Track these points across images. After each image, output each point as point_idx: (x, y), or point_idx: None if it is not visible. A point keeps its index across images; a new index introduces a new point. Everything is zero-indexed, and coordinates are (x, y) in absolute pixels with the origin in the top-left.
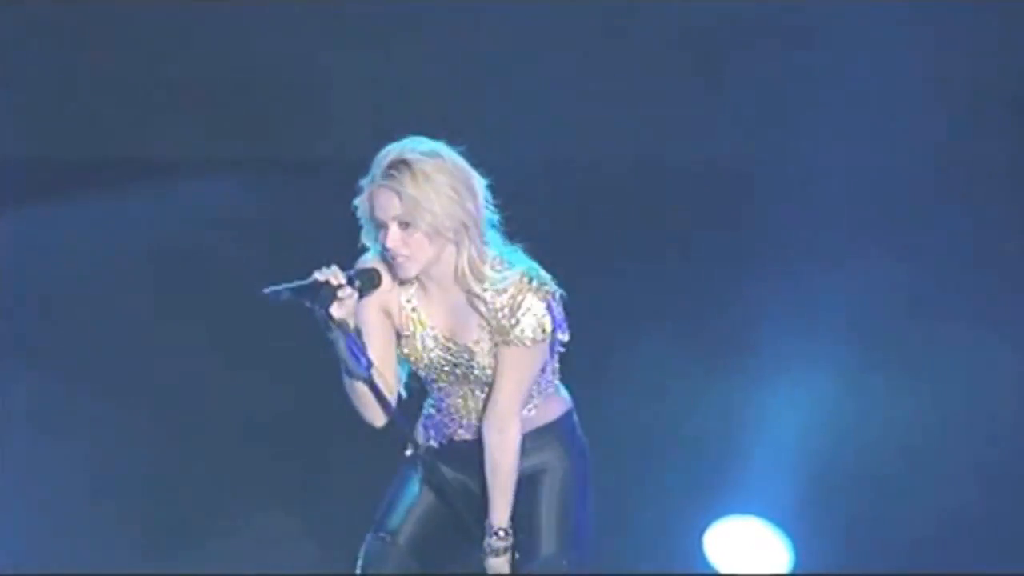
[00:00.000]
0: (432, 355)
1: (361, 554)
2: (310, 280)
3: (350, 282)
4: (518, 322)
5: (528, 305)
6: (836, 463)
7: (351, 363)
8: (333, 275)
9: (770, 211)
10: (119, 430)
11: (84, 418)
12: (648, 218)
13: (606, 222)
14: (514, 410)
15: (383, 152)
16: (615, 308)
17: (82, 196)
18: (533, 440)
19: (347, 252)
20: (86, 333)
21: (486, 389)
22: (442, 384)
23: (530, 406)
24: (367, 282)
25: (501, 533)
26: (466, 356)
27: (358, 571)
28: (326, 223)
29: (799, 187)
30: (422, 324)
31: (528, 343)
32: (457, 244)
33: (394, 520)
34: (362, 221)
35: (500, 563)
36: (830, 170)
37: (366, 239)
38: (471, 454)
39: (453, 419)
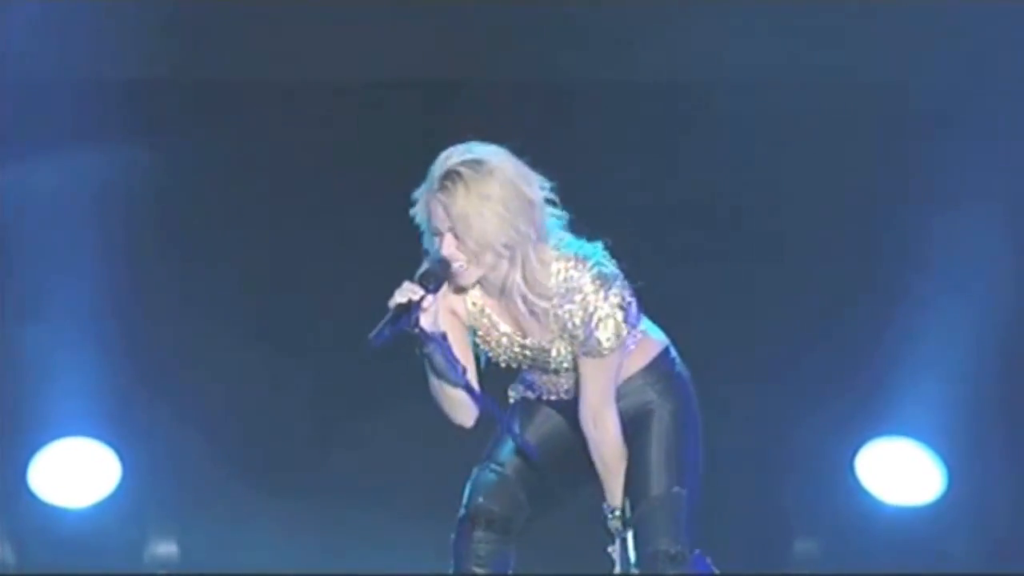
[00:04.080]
0: (508, 352)
1: (469, 484)
2: (393, 308)
3: (425, 289)
4: (592, 333)
5: (601, 315)
6: (994, 385)
7: (447, 371)
8: (410, 292)
9: None
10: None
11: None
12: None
13: None
14: (605, 405)
15: (440, 158)
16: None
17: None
18: (632, 383)
19: None
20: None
21: (571, 374)
22: (524, 367)
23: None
24: (437, 280)
25: (619, 513)
26: (543, 355)
27: (466, 500)
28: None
29: None
30: (493, 325)
31: (605, 352)
32: (511, 260)
33: (503, 453)
34: (422, 227)
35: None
36: None
37: (427, 244)
38: (571, 405)
39: (543, 388)
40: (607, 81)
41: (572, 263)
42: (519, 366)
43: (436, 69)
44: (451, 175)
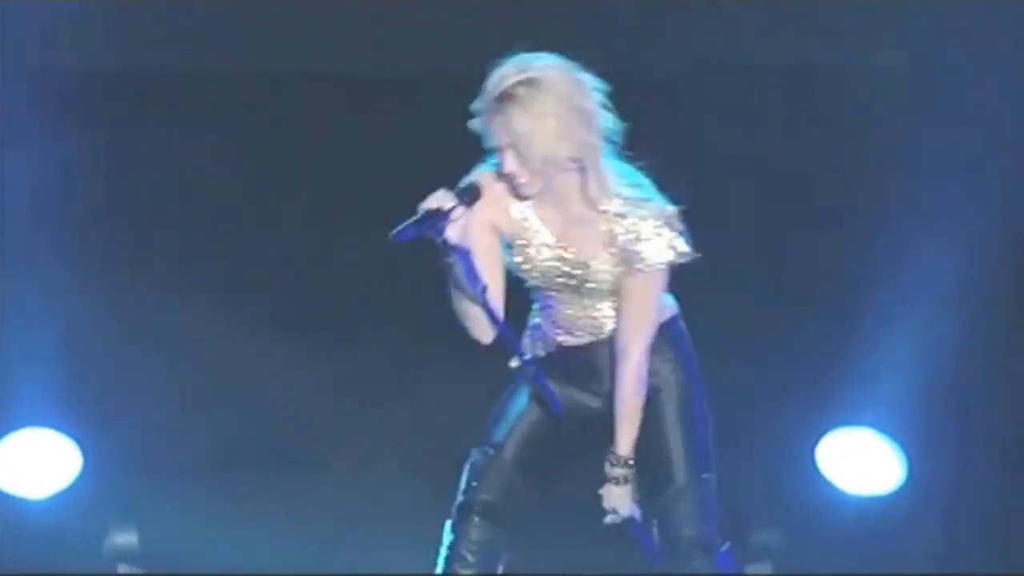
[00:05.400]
0: (546, 264)
1: (466, 468)
2: (422, 211)
3: (460, 200)
4: (644, 247)
5: (656, 230)
6: (951, 376)
7: (467, 285)
8: (441, 200)
9: None
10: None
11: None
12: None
13: None
14: (641, 338)
15: (494, 77)
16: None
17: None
18: None
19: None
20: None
21: (598, 301)
22: (552, 293)
23: None
24: (471, 196)
25: (622, 461)
26: (581, 270)
27: (462, 487)
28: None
29: None
30: (538, 235)
31: (652, 267)
32: (579, 170)
33: (500, 434)
34: (480, 133)
35: (620, 492)
36: None
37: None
38: (578, 361)
39: (560, 327)
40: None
41: (630, 182)
42: (549, 286)
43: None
44: (506, 96)
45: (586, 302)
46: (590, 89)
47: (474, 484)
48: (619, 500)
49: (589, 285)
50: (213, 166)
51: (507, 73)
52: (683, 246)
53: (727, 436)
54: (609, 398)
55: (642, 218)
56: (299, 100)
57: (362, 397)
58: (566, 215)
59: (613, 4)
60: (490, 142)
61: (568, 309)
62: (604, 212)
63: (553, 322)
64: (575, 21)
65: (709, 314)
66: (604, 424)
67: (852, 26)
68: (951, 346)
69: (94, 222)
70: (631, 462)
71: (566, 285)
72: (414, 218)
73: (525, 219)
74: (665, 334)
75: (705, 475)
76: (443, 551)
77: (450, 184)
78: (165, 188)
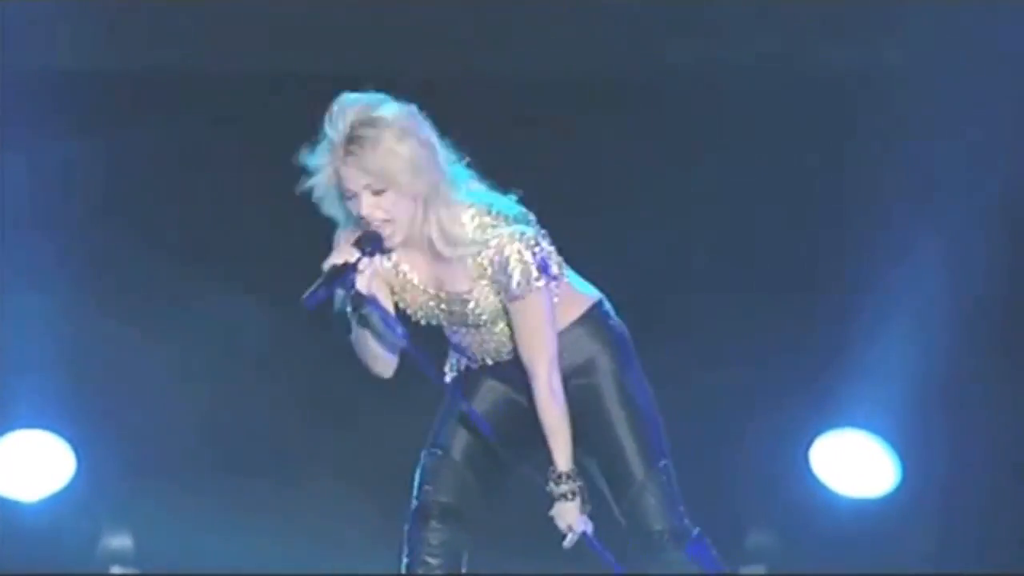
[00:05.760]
0: (428, 306)
1: (418, 471)
2: (329, 267)
3: (362, 252)
4: (511, 276)
5: (516, 258)
6: (944, 379)
7: (387, 335)
8: (347, 253)
9: None
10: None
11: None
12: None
13: None
14: (541, 357)
15: (327, 127)
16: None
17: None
18: (567, 336)
19: None
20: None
21: (492, 327)
22: (446, 327)
23: None
24: (375, 242)
25: (564, 477)
26: (459, 306)
27: (415, 491)
28: None
29: None
30: (410, 282)
31: (530, 292)
32: (426, 208)
33: (445, 436)
34: (320, 194)
35: (570, 508)
36: None
37: (330, 210)
38: (502, 374)
39: (469, 354)
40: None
41: (485, 210)
42: (438, 323)
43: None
44: (354, 140)
45: (482, 331)
46: (426, 124)
47: (427, 487)
48: (571, 516)
49: (471, 319)
50: (211, 166)
51: (346, 118)
52: (553, 267)
53: (722, 437)
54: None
55: (501, 247)
56: (299, 100)
57: (356, 400)
58: (432, 256)
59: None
60: (342, 191)
61: (467, 339)
62: (460, 254)
63: (463, 350)
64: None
65: (704, 315)
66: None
67: (852, 26)
68: (945, 347)
69: (84, 224)
70: (572, 475)
71: (454, 320)
72: (321, 279)
73: (395, 266)
74: (590, 322)
75: (662, 463)
76: (404, 557)
77: None
78: (161, 188)
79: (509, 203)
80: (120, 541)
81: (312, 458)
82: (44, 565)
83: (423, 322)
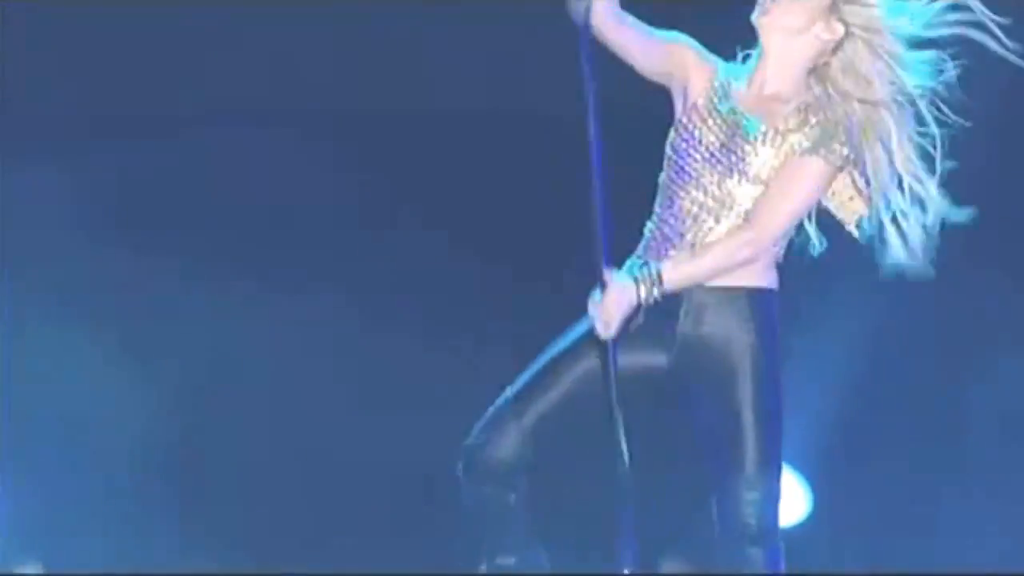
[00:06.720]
0: (709, 129)
1: (489, 412)
2: None
3: None
4: (831, 136)
5: (848, 126)
6: (855, 410)
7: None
8: None
9: None
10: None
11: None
12: None
13: None
14: (769, 217)
15: None
16: None
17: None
18: (729, 295)
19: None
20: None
21: (737, 183)
22: (691, 170)
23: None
24: None
25: (656, 280)
26: (744, 143)
27: (476, 428)
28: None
29: None
30: (721, 97)
31: (826, 155)
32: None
33: (533, 390)
34: None
35: (623, 299)
36: None
37: None
38: (671, 300)
39: (673, 229)
40: None
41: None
42: (691, 160)
43: None
44: None
45: (724, 182)
46: None
47: (480, 442)
48: (617, 307)
49: (742, 155)
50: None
51: None
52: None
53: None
54: (679, 350)
55: (843, 117)
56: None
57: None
58: (768, 89)
59: None
60: None
61: (691, 201)
62: (816, 95)
63: (666, 224)
64: None
65: None
66: (660, 396)
67: None
68: (853, 375)
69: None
70: (661, 284)
71: (715, 158)
72: None
73: (720, 84)
74: (751, 301)
75: (776, 465)
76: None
77: None
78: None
79: None
80: (31, 570)
81: (223, 472)
82: None
83: (681, 149)
